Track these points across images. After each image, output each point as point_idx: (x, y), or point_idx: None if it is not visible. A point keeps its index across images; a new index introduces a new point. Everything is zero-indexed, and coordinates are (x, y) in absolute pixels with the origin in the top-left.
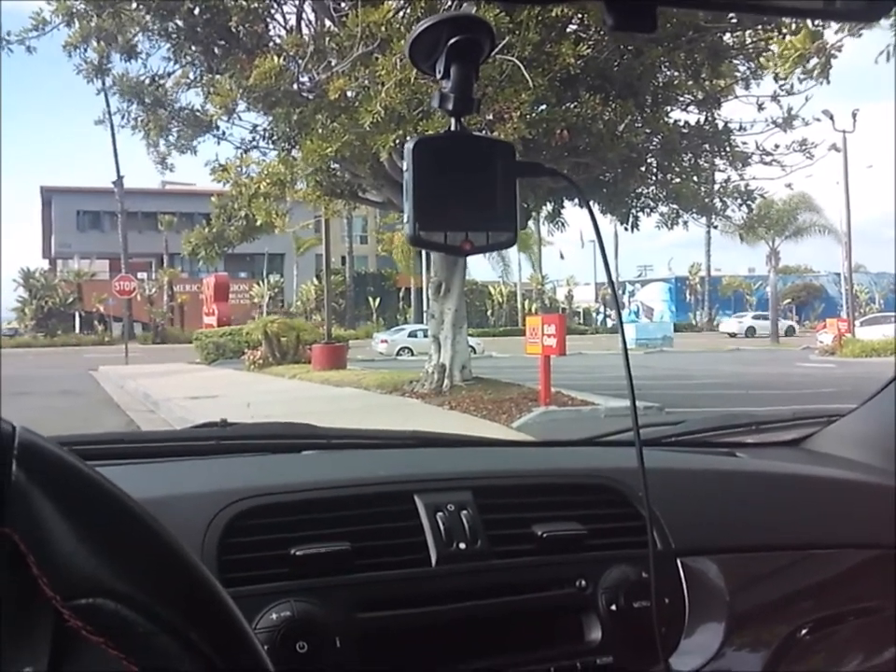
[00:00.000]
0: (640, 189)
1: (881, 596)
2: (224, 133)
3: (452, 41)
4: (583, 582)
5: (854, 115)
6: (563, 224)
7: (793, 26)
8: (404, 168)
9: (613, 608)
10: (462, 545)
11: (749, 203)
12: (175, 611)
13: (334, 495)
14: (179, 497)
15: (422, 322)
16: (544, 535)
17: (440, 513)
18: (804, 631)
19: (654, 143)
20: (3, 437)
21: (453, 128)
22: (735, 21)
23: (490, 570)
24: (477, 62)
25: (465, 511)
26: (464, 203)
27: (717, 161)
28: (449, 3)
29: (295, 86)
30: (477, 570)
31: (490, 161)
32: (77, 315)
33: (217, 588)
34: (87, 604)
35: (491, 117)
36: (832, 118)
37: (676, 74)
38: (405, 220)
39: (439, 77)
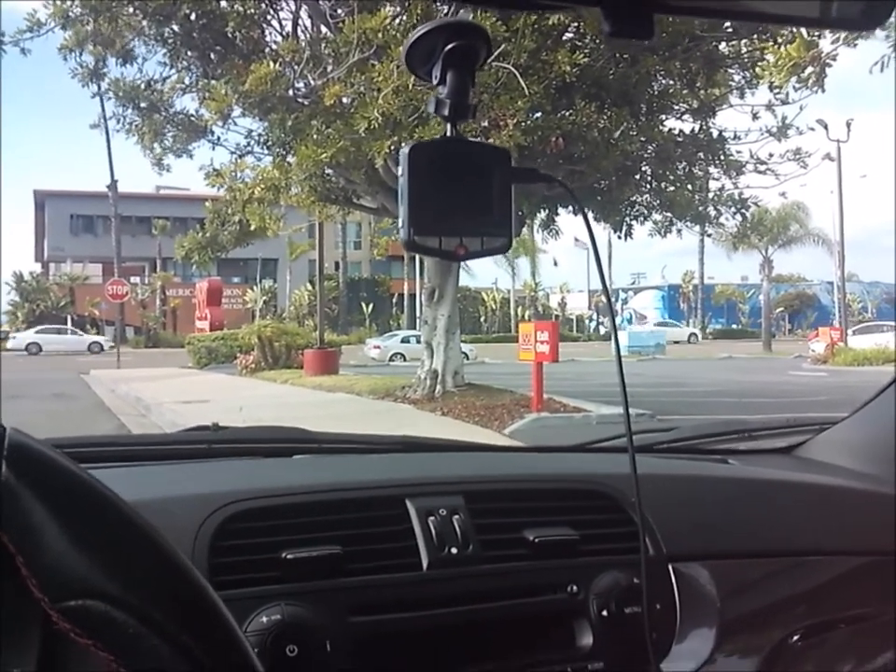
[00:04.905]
0: (634, 198)
1: (872, 603)
2: (219, 139)
3: (448, 47)
4: (575, 588)
5: (848, 124)
6: (557, 232)
7: (788, 35)
8: (399, 172)
9: (605, 613)
10: (454, 550)
11: (743, 211)
12: (166, 613)
13: (325, 498)
14: (170, 499)
15: (415, 328)
16: (536, 540)
17: (431, 518)
18: (795, 637)
19: (649, 151)
20: None
21: (448, 134)
22: (730, 30)
23: (481, 575)
24: (473, 68)
25: (456, 516)
26: (459, 209)
27: (711, 169)
28: (446, 9)
29: (290, 92)
30: (468, 575)
31: (485, 167)
32: (69, 318)
33: (209, 591)
34: (76, 605)
35: (486, 124)
36: (826, 127)
37: (671, 82)
38: (399, 225)
39: (435, 83)
